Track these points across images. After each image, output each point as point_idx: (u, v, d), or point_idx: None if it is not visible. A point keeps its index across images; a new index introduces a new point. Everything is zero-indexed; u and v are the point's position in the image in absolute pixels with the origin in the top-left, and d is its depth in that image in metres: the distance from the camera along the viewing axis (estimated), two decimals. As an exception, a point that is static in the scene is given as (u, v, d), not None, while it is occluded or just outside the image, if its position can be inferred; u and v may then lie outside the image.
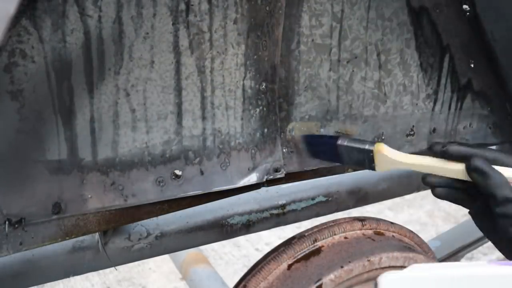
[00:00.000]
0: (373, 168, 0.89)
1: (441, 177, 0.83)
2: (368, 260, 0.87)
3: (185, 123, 0.86)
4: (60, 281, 1.11)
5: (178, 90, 0.83)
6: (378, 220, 1.01)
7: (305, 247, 0.92)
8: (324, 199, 1.34)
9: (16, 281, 1.01)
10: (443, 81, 1.13)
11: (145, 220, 1.00)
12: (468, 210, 0.87)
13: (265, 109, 0.93)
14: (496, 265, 0.54)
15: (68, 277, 1.07)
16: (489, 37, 1.07)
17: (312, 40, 0.94)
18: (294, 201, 1.31)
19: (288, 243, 0.94)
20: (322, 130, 1.01)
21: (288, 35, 0.91)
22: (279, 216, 1.29)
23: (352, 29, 0.97)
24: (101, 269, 1.10)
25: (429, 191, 0.88)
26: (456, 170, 0.80)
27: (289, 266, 0.91)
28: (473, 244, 1.84)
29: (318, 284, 0.84)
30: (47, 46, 0.70)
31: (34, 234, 0.78)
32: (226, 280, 1.74)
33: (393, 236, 1.00)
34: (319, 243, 0.93)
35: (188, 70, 0.83)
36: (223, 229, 1.22)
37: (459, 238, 1.84)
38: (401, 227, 1.03)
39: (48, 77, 0.71)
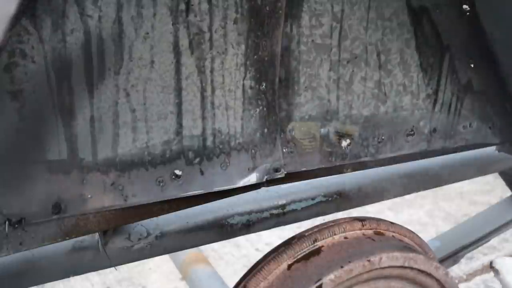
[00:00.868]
0: None
1: None
2: (368, 260, 0.87)
3: (185, 123, 0.86)
4: (60, 281, 1.10)
5: (178, 90, 0.83)
6: (378, 220, 1.01)
7: (305, 247, 0.92)
8: (324, 199, 1.34)
9: (16, 281, 1.01)
10: (443, 81, 1.13)
11: (145, 220, 1.00)
12: None
13: (265, 109, 0.93)
14: None
15: (68, 277, 1.07)
16: (489, 37, 1.07)
17: (312, 40, 0.94)
18: (294, 201, 1.31)
19: (288, 243, 0.94)
20: (322, 130, 1.01)
21: (288, 35, 0.91)
22: (279, 216, 1.29)
23: (352, 29, 0.97)
24: (101, 269, 1.10)
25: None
26: None
27: (289, 266, 0.91)
28: (473, 244, 1.84)
29: (318, 284, 0.84)
30: (47, 46, 0.70)
31: (34, 234, 0.78)
32: (226, 280, 1.74)
33: (393, 236, 1.00)
34: (319, 243, 0.93)
35: (188, 70, 0.83)
36: (223, 229, 1.22)
37: (459, 238, 1.84)
38: (401, 227, 1.03)
39: (48, 77, 0.71)
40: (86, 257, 1.07)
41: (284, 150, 0.97)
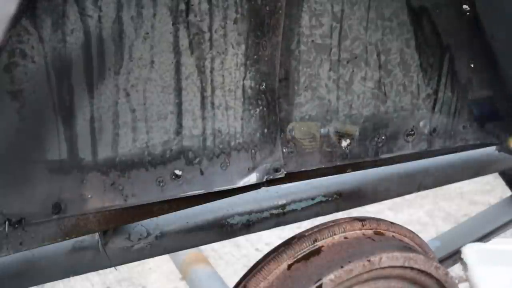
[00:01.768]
0: None
1: None
2: (368, 260, 0.87)
3: (185, 123, 0.86)
4: (60, 281, 1.10)
5: (178, 90, 0.83)
6: (378, 220, 1.01)
7: (305, 247, 0.92)
8: (324, 199, 1.34)
9: (16, 281, 1.01)
10: (443, 81, 1.13)
11: (145, 220, 1.00)
12: None
13: (265, 109, 0.92)
14: None
15: (68, 277, 1.07)
16: (489, 37, 1.07)
17: (312, 40, 0.94)
18: (294, 201, 1.31)
19: (288, 243, 0.94)
20: (322, 130, 1.01)
21: (288, 35, 0.91)
22: (279, 216, 1.29)
23: (352, 29, 0.97)
24: (101, 269, 1.10)
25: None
26: None
27: (289, 266, 0.91)
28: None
29: (318, 284, 0.84)
30: (47, 46, 0.70)
31: (34, 234, 0.78)
32: (226, 280, 1.74)
33: (393, 236, 1.00)
34: (319, 243, 0.93)
35: (188, 70, 0.83)
36: (223, 229, 1.22)
37: (459, 238, 1.84)
38: (401, 227, 1.03)
39: (48, 77, 0.71)
40: (86, 257, 1.07)
41: (284, 150, 0.97)
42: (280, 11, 0.87)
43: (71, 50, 0.72)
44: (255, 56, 0.88)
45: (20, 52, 0.69)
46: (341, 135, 1.03)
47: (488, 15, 1.05)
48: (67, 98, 0.74)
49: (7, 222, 0.74)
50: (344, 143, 1.04)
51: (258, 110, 0.92)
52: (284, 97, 0.95)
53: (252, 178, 0.94)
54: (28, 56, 0.69)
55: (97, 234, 1.06)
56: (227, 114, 0.89)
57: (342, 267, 0.85)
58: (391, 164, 1.17)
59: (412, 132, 1.13)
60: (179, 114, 0.85)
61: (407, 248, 0.97)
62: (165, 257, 1.73)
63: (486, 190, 3.83)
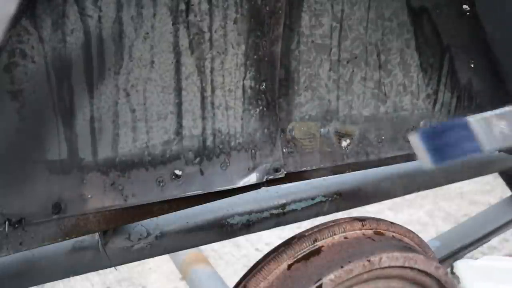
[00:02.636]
0: None
1: None
2: (368, 260, 0.87)
3: (185, 123, 0.86)
4: (60, 281, 1.10)
5: (178, 90, 0.83)
6: (378, 220, 1.01)
7: (305, 247, 0.92)
8: (324, 199, 1.34)
9: (16, 281, 1.01)
10: (443, 81, 1.13)
11: (145, 220, 1.00)
12: None
13: (265, 109, 0.93)
14: None
15: (68, 277, 1.06)
16: (489, 37, 1.07)
17: (312, 40, 0.94)
18: (294, 201, 1.31)
19: (288, 243, 0.94)
20: (322, 130, 1.01)
21: (288, 35, 0.91)
22: (279, 216, 1.29)
23: (352, 29, 0.97)
24: (101, 269, 1.10)
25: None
26: None
27: (289, 266, 0.91)
28: (473, 244, 1.84)
29: (318, 284, 0.84)
30: (47, 46, 0.70)
31: (34, 234, 0.78)
32: (226, 280, 1.74)
33: (393, 236, 1.00)
34: (319, 243, 0.93)
35: (188, 70, 0.83)
36: (223, 229, 1.22)
37: (459, 238, 1.84)
38: (401, 227, 1.03)
39: (48, 77, 0.71)
40: (86, 257, 1.06)
41: (284, 150, 0.97)
42: (280, 11, 0.87)
43: (71, 50, 0.72)
44: (255, 56, 0.88)
45: (20, 52, 0.69)
46: (341, 135, 1.03)
47: (488, 15, 1.05)
48: (67, 98, 0.74)
49: (7, 222, 0.74)
50: (344, 143, 1.04)
51: (258, 110, 0.92)
52: (284, 97, 0.95)
53: (252, 178, 0.94)
54: (28, 56, 0.69)
55: (97, 234, 1.06)
56: (227, 114, 0.89)
57: (342, 267, 0.85)
58: (391, 164, 1.17)
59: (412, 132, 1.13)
60: (179, 114, 0.85)
61: (407, 248, 0.97)
62: (165, 257, 1.73)
63: (486, 190, 3.82)
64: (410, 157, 1.17)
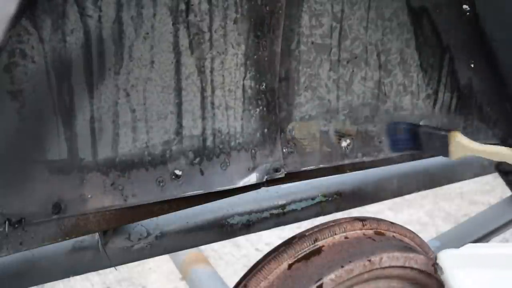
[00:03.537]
0: (446, 155, 1.00)
1: None
2: (369, 260, 0.87)
3: (185, 123, 0.86)
4: (60, 281, 1.10)
5: (178, 90, 0.83)
6: (378, 220, 1.01)
7: (306, 247, 0.92)
8: (324, 199, 1.34)
9: (16, 281, 1.01)
10: (443, 81, 1.13)
11: (145, 220, 1.00)
12: None
13: (265, 109, 0.93)
14: None
15: (68, 277, 1.07)
16: (489, 37, 1.07)
17: (312, 40, 0.94)
18: (294, 201, 1.31)
19: (288, 243, 0.94)
20: (322, 130, 1.01)
21: (288, 35, 0.91)
22: (279, 216, 1.29)
23: (352, 29, 0.97)
24: (101, 269, 1.10)
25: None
26: None
27: (290, 266, 0.91)
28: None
29: (318, 283, 0.84)
30: (47, 46, 0.70)
31: (34, 234, 0.78)
32: (226, 280, 1.74)
33: (393, 236, 1.00)
34: (319, 243, 0.93)
35: (188, 70, 0.83)
36: (223, 229, 1.22)
37: (459, 238, 1.84)
38: (402, 227, 1.03)
39: (48, 77, 0.71)
40: (86, 257, 1.06)
41: (284, 150, 0.97)
42: (280, 11, 0.87)
43: (71, 50, 0.72)
44: (255, 56, 0.88)
45: (20, 52, 0.69)
46: (341, 135, 1.03)
47: (488, 15, 1.05)
48: (67, 98, 0.74)
49: (7, 222, 0.74)
50: (344, 143, 1.04)
51: (258, 110, 0.92)
52: (284, 97, 0.95)
53: (252, 178, 0.94)
54: (28, 56, 0.69)
55: (97, 234, 1.06)
56: (227, 114, 0.89)
57: (342, 266, 0.85)
58: (391, 164, 1.17)
59: (412, 132, 1.13)
60: (179, 114, 0.85)
61: (407, 248, 0.97)
62: (165, 257, 1.73)
63: (486, 190, 3.83)
64: (410, 157, 1.17)
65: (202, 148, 0.88)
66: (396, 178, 1.47)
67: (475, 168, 1.67)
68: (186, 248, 1.22)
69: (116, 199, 0.82)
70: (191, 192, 0.89)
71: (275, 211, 1.28)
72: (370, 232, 0.98)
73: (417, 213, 3.58)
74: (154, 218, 1.13)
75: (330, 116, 1.01)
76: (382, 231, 0.99)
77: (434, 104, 1.14)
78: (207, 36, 0.82)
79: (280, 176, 0.97)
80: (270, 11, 0.86)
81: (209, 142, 0.89)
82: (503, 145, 0.95)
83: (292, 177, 1.01)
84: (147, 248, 1.13)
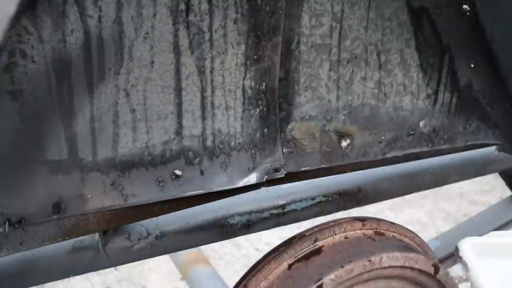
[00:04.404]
0: None
1: None
2: (369, 260, 0.87)
3: (185, 123, 0.86)
4: (60, 281, 1.10)
5: (178, 90, 0.83)
6: (378, 220, 1.01)
7: (306, 247, 0.92)
8: (324, 199, 1.34)
9: (16, 281, 1.01)
10: (443, 81, 1.13)
11: (145, 220, 1.00)
12: None
13: (265, 109, 0.92)
14: None
15: (68, 277, 1.06)
16: (489, 37, 1.07)
17: (312, 40, 0.94)
18: (294, 201, 1.31)
19: (288, 243, 0.94)
20: (322, 130, 1.01)
21: (288, 35, 0.91)
22: (279, 216, 1.29)
23: (352, 29, 0.97)
24: (101, 269, 1.10)
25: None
26: None
27: (290, 266, 0.91)
28: (473, 244, 1.84)
29: (318, 283, 0.84)
30: (47, 46, 0.70)
31: (34, 234, 0.78)
32: (226, 280, 1.74)
33: (393, 236, 1.00)
34: (319, 243, 0.93)
35: (188, 70, 0.83)
36: (223, 229, 1.22)
37: (459, 238, 1.83)
38: (402, 227, 1.03)
39: (48, 77, 0.71)
40: (86, 257, 1.06)
41: (284, 150, 0.97)
42: (280, 11, 0.87)
43: (71, 50, 0.72)
44: (255, 56, 0.88)
45: (20, 52, 0.69)
46: (341, 135, 1.03)
47: (488, 15, 1.05)
48: (67, 98, 0.74)
49: (7, 222, 0.74)
50: (344, 143, 1.04)
51: (258, 110, 0.92)
52: (284, 97, 0.95)
53: (252, 178, 0.94)
54: (28, 56, 0.69)
55: (97, 234, 1.06)
56: (227, 114, 0.89)
57: (342, 266, 0.85)
58: (391, 164, 1.17)
59: (412, 132, 1.13)
60: (179, 114, 0.85)
61: (407, 248, 0.97)
62: (165, 257, 1.73)
63: (486, 190, 3.83)
64: (410, 157, 1.17)
65: (202, 148, 0.88)
66: (396, 178, 1.46)
67: (475, 168, 1.67)
68: (186, 248, 1.22)
69: (116, 199, 0.82)
70: (191, 192, 0.89)
71: (275, 211, 1.28)
72: (370, 232, 0.98)
73: (417, 213, 3.58)
74: (154, 218, 1.13)
75: (330, 116, 1.01)
76: (382, 231, 0.99)
77: (434, 104, 1.14)
78: (207, 36, 0.82)
79: (280, 176, 0.97)
80: (270, 11, 0.86)
81: (209, 142, 0.89)
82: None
83: (292, 177, 1.01)
84: (147, 248, 1.13)
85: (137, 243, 1.11)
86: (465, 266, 0.75)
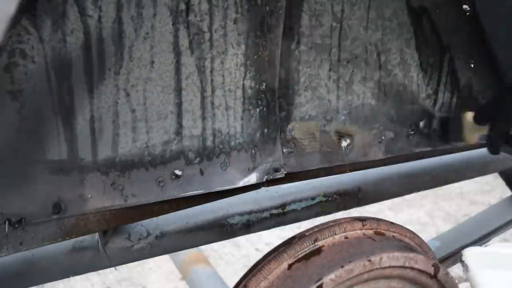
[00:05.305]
0: None
1: None
2: (369, 260, 0.87)
3: (185, 123, 0.86)
4: (60, 281, 1.10)
5: (178, 90, 0.83)
6: (378, 220, 1.01)
7: (306, 247, 0.92)
8: (324, 199, 1.34)
9: (16, 281, 1.01)
10: (443, 81, 1.13)
11: (145, 220, 1.00)
12: None
13: (265, 109, 0.92)
14: None
15: (68, 277, 1.06)
16: (489, 37, 1.07)
17: (312, 40, 0.94)
18: (294, 201, 1.31)
19: (288, 243, 0.94)
20: (322, 130, 1.01)
21: (288, 35, 0.91)
22: (279, 216, 1.29)
23: (352, 29, 0.97)
24: (101, 269, 1.10)
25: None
26: None
27: (290, 266, 0.91)
28: (473, 244, 1.84)
29: (318, 283, 0.84)
30: (47, 46, 0.70)
31: (34, 234, 0.78)
32: (226, 280, 1.74)
33: (393, 236, 1.00)
34: (319, 243, 0.93)
35: (188, 70, 0.83)
36: (223, 229, 1.22)
37: (459, 238, 1.84)
38: (402, 227, 1.03)
39: (48, 77, 0.71)
40: (86, 257, 1.06)
41: (284, 150, 0.97)
42: (280, 11, 0.87)
43: (71, 50, 0.72)
44: (255, 56, 0.88)
45: (20, 52, 0.69)
46: (341, 135, 1.03)
47: (488, 15, 1.05)
48: (67, 98, 0.74)
49: (7, 222, 0.74)
50: (344, 143, 1.04)
51: (258, 110, 0.92)
52: (284, 97, 0.95)
53: (252, 178, 0.94)
54: (28, 56, 0.69)
55: (97, 234, 1.06)
56: (227, 114, 0.89)
57: (342, 266, 0.85)
58: (391, 164, 1.17)
59: (412, 132, 1.13)
60: (179, 114, 0.85)
61: (407, 248, 0.97)
62: (165, 257, 1.73)
63: (486, 190, 3.83)
64: (410, 157, 1.17)
65: (202, 148, 0.88)
66: (396, 178, 1.46)
67: (475, 168, 1.67)
68: (186, 248, 1.22)
69: (116, 199, 0.82)
70: (191, 192, 0.89)
71: (275, 211, 1.28)
72: (370, 232, 0.98)
73: (417, 213, 3.58)
74: (154, 218, 1.13)
75: (330, 116, 1.01)
76: (382, 231, 0.99)
77: (434, 104, 1.14)
78: (207, 36, 0.82)
79: (280, 176, 0.97)
80: (270, 11, 0.86)
81: (209, 142, 0.89)
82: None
83: (292, 177, 1.01)
84: (147, 248, 1.13)
85: (137, 243, 1.11)
86: (467, 272, 0.75)
